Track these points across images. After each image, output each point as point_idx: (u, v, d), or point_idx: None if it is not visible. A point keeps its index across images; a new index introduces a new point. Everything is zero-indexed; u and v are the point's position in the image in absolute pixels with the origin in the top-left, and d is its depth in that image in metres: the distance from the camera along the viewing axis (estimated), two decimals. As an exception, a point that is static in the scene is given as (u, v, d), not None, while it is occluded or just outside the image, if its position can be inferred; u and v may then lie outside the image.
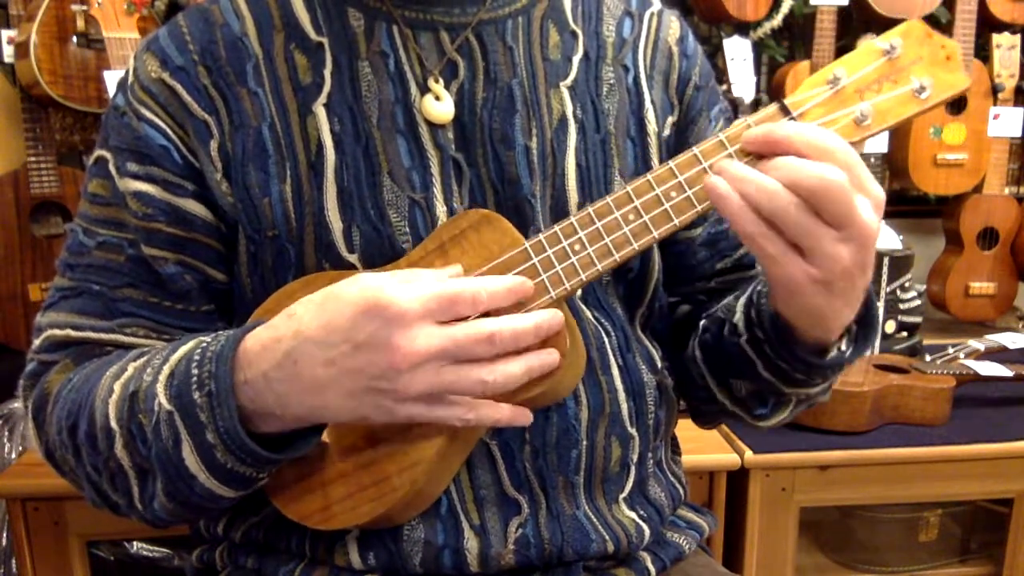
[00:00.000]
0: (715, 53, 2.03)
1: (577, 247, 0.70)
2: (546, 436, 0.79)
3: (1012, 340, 1.79)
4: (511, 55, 0.81)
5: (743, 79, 1.96)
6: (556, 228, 0.70)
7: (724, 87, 1.95)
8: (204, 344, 0.70)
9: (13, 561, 1.43)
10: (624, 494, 0.84)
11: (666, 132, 0.87)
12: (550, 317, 0.67)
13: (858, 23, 2.16)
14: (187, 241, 0.79)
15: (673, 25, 0.90)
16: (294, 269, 0.78)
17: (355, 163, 0.78)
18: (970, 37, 2.06)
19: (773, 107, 0.70)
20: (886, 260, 1.82)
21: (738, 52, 1.97)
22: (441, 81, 0.80)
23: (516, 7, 0.83)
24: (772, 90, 2.10)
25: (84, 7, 1.79)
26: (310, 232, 0.77)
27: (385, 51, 0.79)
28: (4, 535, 1.59)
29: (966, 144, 2.13)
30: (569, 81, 0.83)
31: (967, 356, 1.75)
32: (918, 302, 1.88)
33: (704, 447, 1.45)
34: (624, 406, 0.83)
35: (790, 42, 2.17)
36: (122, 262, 0.79)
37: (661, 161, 0.86)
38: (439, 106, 0.79)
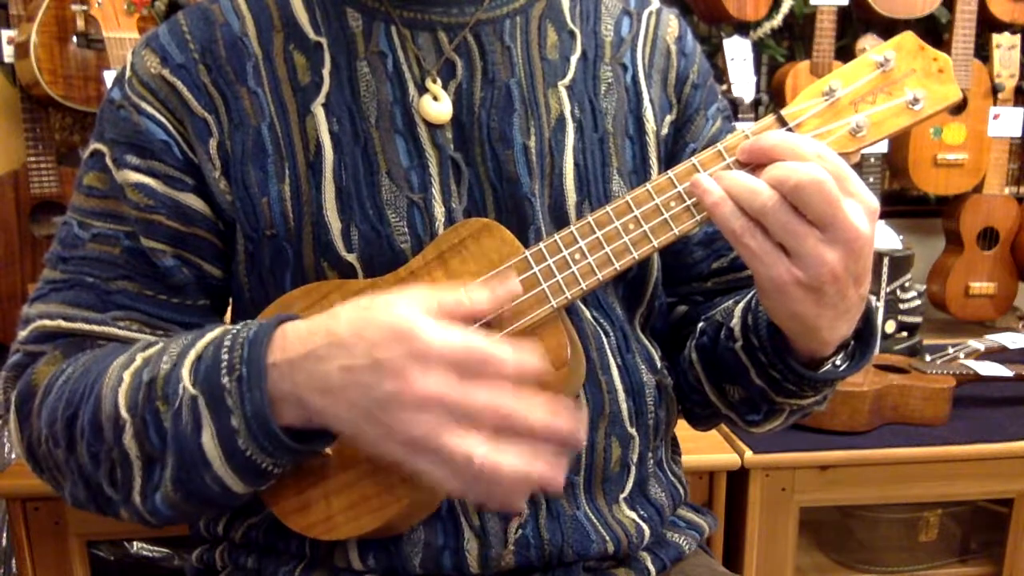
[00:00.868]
0: (715, 53, 2.03)
1: (578, 256, 0.70)
2: (546, 436, 0.79)
3: (1012, 340, 1.79)
4: (509, 55, 0.81)
5: (743, 79, 1.96)
6: (556, 237, 0.71)
7: (724, 87, 1.95)
8: (233, 331, 0.69)
9: (13, 561, 1.43)
10: (624, 494, 0.84)
11: (664, 131, 0.87)
12: (568, 430, 0.62)
13: (858, 23, 2.16)
14: (186, 235, 0.79)
15: (671, 23, 0.90)
16: (292, 268, 0.78)
17: (353, 163, 0.78)
18: (970, 37, 2.06)
19: (770, 118, 0.72)
20: (886, 260, 1.82)
21: (738, 52, 1.97)
22: (439, 81, 0.80)
23: (514, 7, 0.83)
24: (772, 90, 2.10)
25: (84, 7, 1.79)
26: (308, 232, 0.77)
27: (383, 51, 0.79)
28: (4, 535, 1.59)
29: (966, 144, 2.13)
30: (567, 81, 0.83)
31: (967, 356, 1.75)
32: (918, 302, 1.88)
33: (704, 447, 1.45)
34: (624, 406, 0.83)
35: (790, 42, 2.17)
36: (117, 254, 0.79)
37: (659, 159, 0.86)
38: (437, 106, 0.79)
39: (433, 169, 0.79)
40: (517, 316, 0.70)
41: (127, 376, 0.71)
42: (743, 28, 2.05)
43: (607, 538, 0.81)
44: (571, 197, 0.81)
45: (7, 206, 1.89)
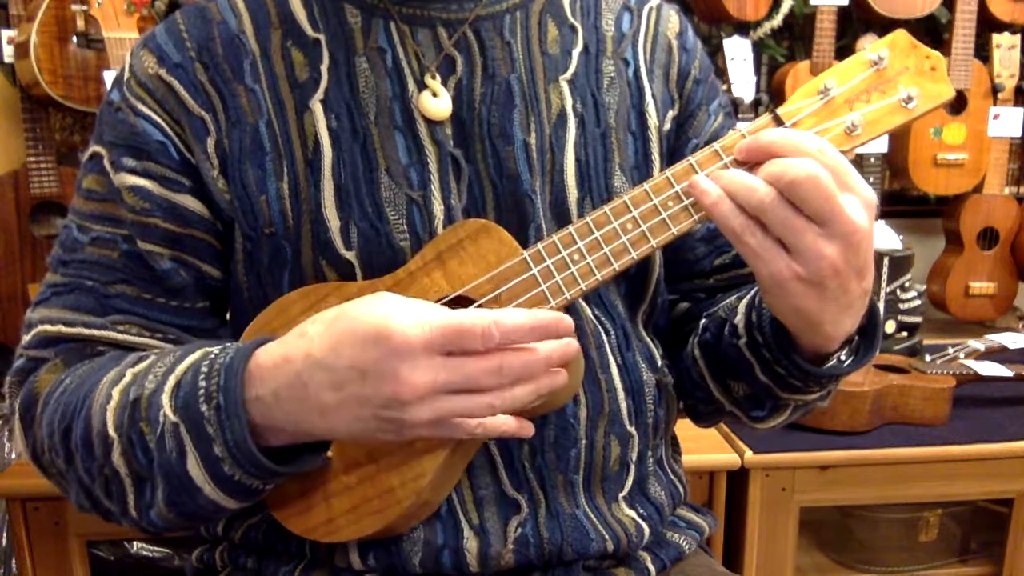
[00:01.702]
0: (715, 53, 2.03)
1: (576, 257, 0.71)
2: (545, 435, 0.79)
3: (1012, 340, 1.79)
4: (509, 50, 0.81)
5: (743, 79, 1.96)
6: (555, 238, 0.71)
7: (724, 87, 1.95)
8: (212, 355, 0.69)
9: (13, 561, 1.43)
10: (624, 493, 0.84)
11: (667, 126, 0.87)
12: (563, 347, 0.67)
13: (858, 23, 2.16)
14: (183, 237, 0.79)
15: (672, 19, 0.90)
16: (291, 267, 0.78)
17: (352, 160, 0.77)
18: (970, 37, 2.06)
19: (767, 117, 0.73)
20: (886, 260, 1.82)
21: (738, 52, 1.98)
22: (438, 77, 0.79)
23: (514, 2, 0.83)
24: (772, 90, 2.10)
25: (84, 7, 1.79)
26: (307, 229, 0.77)
27: (383, 47, 0.79)
28: (4, 535, 1.58)
29: (966, 144, 2.13)
30: (569, 75, 0.83)
31: (967, 356, 1.75)
32: (918, 302, 1.88)
33: (704, 447, 1.45)
34: (623, 405, 0.83)
35: (790, 42, 2.17)
36: (115, 258, 0.79)
37: (661, 155, 0.86)
38: (436, 102, 0.79)
39: (432, 166, 0.78)
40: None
41: (116, 393, 0.71)
42: (743, 28, 2.05)
43: (606, 537, 0.81)
44: (572, 193, 0.81)
45: (7, 206, 1.88)
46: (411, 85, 0.79)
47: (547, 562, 0.80)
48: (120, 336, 0.79)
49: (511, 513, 0.79)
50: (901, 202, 2.29)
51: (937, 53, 0.72)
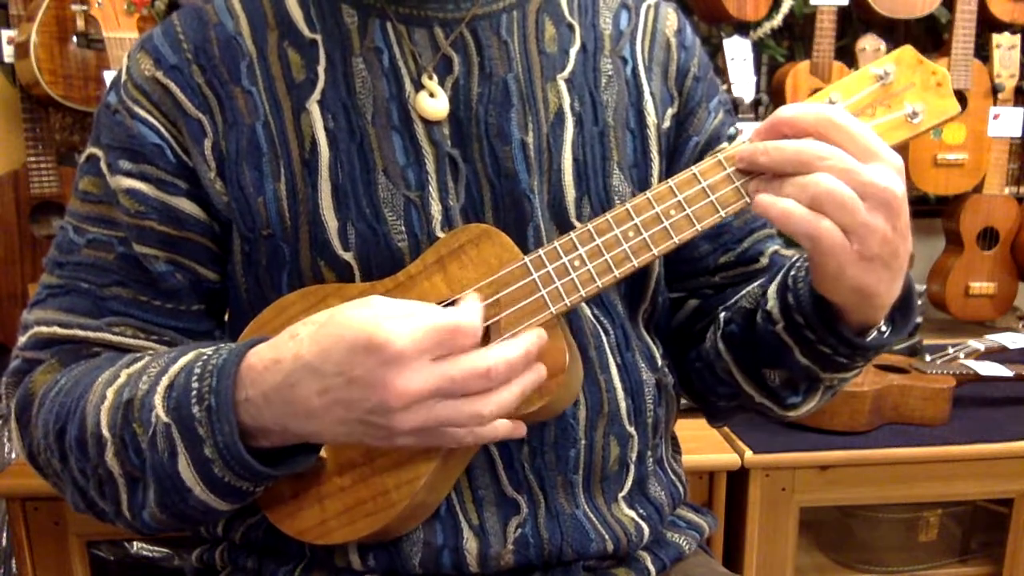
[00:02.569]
0: (715, 53, 2.03)
1: (577, 263, 0.71)
2: (544, 436, 0.79)
3: (1012, 340, 1.79)
4: (506, 49, 0.81)
5: (743, 79, 1.96)
6: (556, 244, 0.71)
7: (724, 87, 1.95)
8: (205, 357, 0.69)
9: (13, 561, 1.43)
10: (623, 493, 0.84)
11: (666, 124, 0.87)
12: (536, 339, 0.67)
13: (858, 23, 2.16)
14: (179, 239, 0.79)
15: (670, 17, 0.90)
16: (289, 268, 0.78)
17: (349, 160, 0.77)
18: (970, 37, 2.06)
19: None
20: (886, 260, 1.82)
21: (738, 52, 1.98)
22: (435, 78, 0.79)
23: (511, 1, 0.83)
24: (772, 90, 2.10)
25: (84, 7, 1.79)
26: (305, 230, 0.77)
27: (379, 47, 0.79)
28: (4, 535, 1.59)
29: (966, 144, 2.13)
30: (567, 73, 0.83)
31: (967, 356, 1.75)
32: (918, 302, 1.88)
33: (704, 447, 1.45)
34: (623, 405, 0.83)
35: (790, 42, 2.17)
36: (111, 260, 0.79)
37: (660, 153, 0.86)
38: (433, 102, 0.79)
39: (430, 166, 0.78)
40: (516, 322, 0.70)
41: (110, 394, 0.71)
42: (743, 28, 2.05)
43: (606, 537, 0.81)
44: (570, 193, 0.81)
45: (7, 206, 1.89)
46: (408, 85, 0.79)
47: (547, 562, 0.80)
48: (115, 338, 0.79)
49: (511, 513, 0.79)
50: (901, 202, 2.29)
51: (943, 69, 0.72)
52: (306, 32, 0.79)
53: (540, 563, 0.80)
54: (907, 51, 0.73)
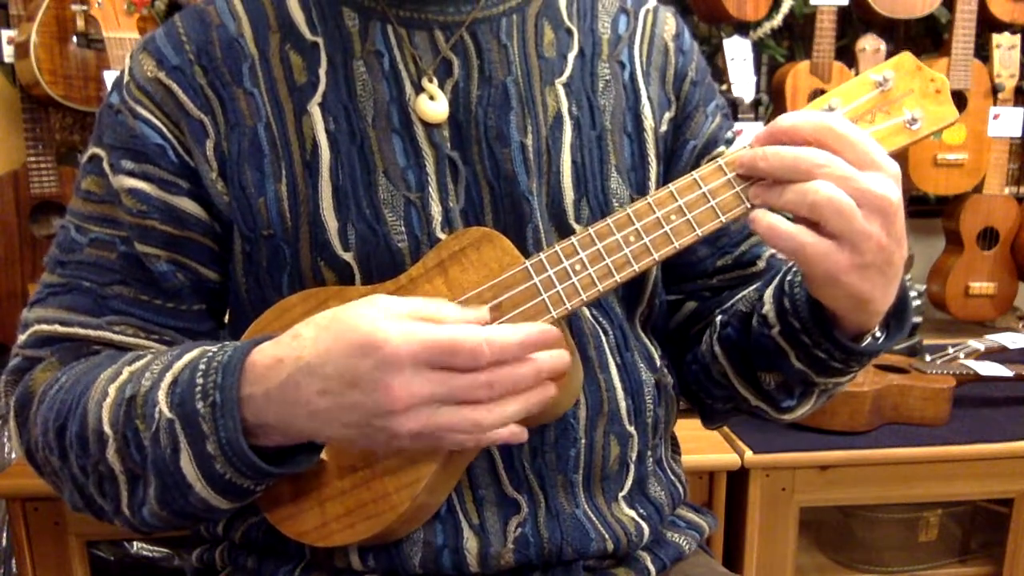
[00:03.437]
0: (715, 53, 2.03)
1: (578, 267, 0.71)
2: (544, 435, 0.79)
3: (1012, 340, 1.79)
4: (506, 53, 0.81)
5: (743, 79, 1.96)
6: (557, 248, 0.71)
7: (724, 87, 1.95)
8: (210, 354, 0.69)
9: (13, 561, 1.43)
10: (623, 492, 0.84)
11: (663, 128, 0.87)
12: (553, 360, 0.67)
13: (858, 23, 2.16)
14: (180, 239, 0.79)
15: (669, 21, 0.90)
16: (289, 268, 0.78)
17: (350, 162, 0.78)
18: (970, 37, 2.06)
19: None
20: (886, 260, 1.82)
21: (738, 52, 1.97)
22: (435, 80, 0.80)
23: (510, 5, 0.83)
24: (772, 90, 2.10)
25: (84, 7, 1.79)
26: (305, 231, 0.77)
27: (380, 50, 0.79)
28: (4, 535, 1.59)
29: (966, 144, 2.13)
30: (564, 78, 0.83)
31: (967, 356, 1.75)
32: (918, 302, 1.88)
33: (704, 447, 1.45)
34: (622, 404, 0.83)
35: (790, 42, 2.17)
36: (113, 259, 0.79)
37: (658, 157, 0.86)
38: (433, 105, 0.79)
39: (430, 168, 0.79)
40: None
41: (112, 390, 0.71)
42: (743, 28, 2.05)
43: (606, 536, 0.81)
44: (569, 195, 0.81)
45: (7, 206, 1.89)
46: (408, 88, 0.79)
47: (547, 562, 0.80)
48: (116, 337, 0.79)
49: (511, 513, 0.79)
50: (901, 202, 2.29)
51: (942, 76, 0.73)
52: (308, 35, 0.80)
53: (540, 563, 0.80)
54: (906, 57, 0.73)
